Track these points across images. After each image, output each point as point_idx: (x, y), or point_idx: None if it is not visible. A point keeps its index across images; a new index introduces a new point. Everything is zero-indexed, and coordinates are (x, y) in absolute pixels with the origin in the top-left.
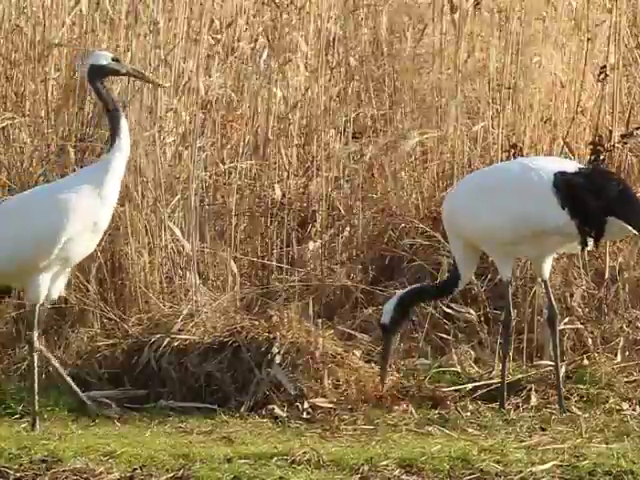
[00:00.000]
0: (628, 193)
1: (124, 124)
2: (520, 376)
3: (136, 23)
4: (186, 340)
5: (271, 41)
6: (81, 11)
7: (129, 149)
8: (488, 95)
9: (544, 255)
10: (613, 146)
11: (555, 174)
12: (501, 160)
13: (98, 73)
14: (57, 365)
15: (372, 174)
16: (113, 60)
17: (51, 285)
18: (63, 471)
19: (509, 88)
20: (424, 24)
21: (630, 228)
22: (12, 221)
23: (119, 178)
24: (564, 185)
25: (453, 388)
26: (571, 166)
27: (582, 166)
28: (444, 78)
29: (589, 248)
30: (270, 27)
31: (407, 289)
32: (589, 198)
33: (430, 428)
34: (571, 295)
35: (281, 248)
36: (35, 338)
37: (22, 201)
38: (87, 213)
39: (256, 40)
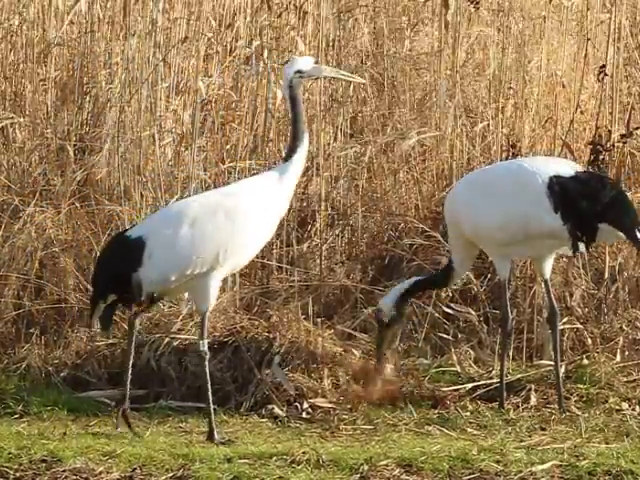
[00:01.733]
0: (621, 199)
1: (306, 140)
2: (520, 376)
3: (135, 23)
4: (186, 340)
5: (270, 41)
6: (81, 11)
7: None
8: (488, 95)
9: (542, 256)
10: (613, 146)
11: (550, 177)
12: (501, 160)
13: (299, 80)
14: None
15: (372, 174)
16: (315, 63)
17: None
18: (63, 471)
19: (509, 88)
20: (423, 24)
21: (621, 235)
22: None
23: (292, 190)
24: (558, 189)
25: (453, 388)
26: (568, 169)
27: (579, 169)
28: (443, 78)
29: (581, 251)
30: (268, 27)
31: (405, 283)
32: (582, 203)
33: (430, 428)
34: (571, 295)
35: (281, 248)
36: (206, 348)
37: (201, 206)
38: (260, 220)
39: (252, 40)
